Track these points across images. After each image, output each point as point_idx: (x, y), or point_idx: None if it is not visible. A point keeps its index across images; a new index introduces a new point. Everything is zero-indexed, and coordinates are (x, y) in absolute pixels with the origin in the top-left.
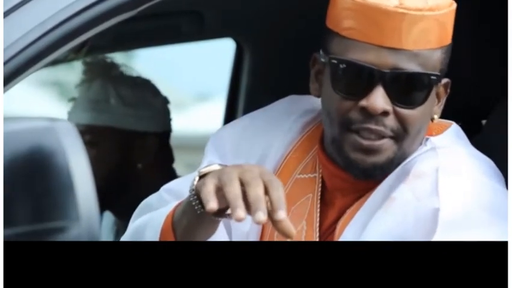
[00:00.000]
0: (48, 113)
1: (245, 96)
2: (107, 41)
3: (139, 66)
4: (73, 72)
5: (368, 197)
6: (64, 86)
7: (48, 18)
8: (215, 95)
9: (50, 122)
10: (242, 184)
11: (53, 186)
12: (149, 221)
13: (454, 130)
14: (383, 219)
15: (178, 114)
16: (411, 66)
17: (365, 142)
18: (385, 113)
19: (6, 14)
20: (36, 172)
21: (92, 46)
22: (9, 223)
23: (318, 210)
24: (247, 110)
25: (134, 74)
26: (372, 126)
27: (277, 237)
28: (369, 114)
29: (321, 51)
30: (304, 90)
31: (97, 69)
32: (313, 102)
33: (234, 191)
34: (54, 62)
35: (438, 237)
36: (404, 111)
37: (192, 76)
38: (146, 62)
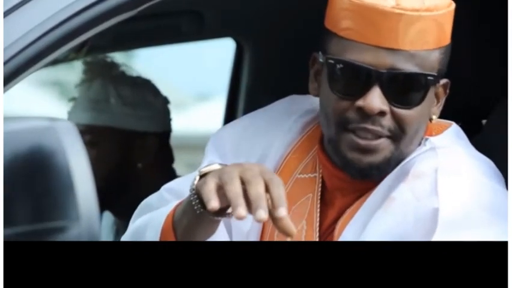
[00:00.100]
0: (48, 112)
1: (245, 96)
2: (107, 41)
3: (139, 66)
4: (73, 72)
5: (368, 197)
6: (64, 85)
7: (48, 18)
8: (215, 95)
9: (50, 122)
10: (243, 183)
11: (53, 185)
12: (150, 220)
13: (453, 130)
14: (382, 219)
15: (178, 114)
16: (409, 67)
17: (362, 142)
18: (382, 113)
19: (6, 14)
20: (36, 172)
21: (92, 46)
22: (10, 223)
23: (318, 210)
24: (247, 110)
25: (135, 74)
26: (369, 126)
27: (277, 237)
28: (366, 114)
29: (319, 52)
30: (304, 90)
31: (97, 69)
32: (314, 102)
33: (234, 190)
34: (55, 62)
35: (438, 237)
36: (401, 112)
37: (192, 76)
38: (147, 62)
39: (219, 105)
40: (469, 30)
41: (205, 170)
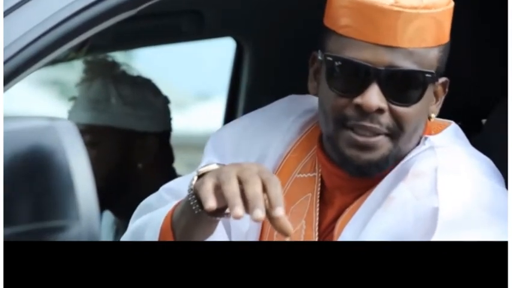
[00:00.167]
0: (48, 112)
1: (245, 95)
2: (107, 41)
3: (139, 66)
4: (73, 72)
5: (367, 196)
6: (64, 85)
7: (48, 17)
8: (215, 95)
9: (50, 121)
10: (240, 182)
11: (53, 185)
12: (149, 221)
13: (452, 129)
14: (382, 218)
15: (178, 113)
16: (407, 64)
17: (360, 138)
18: (380, 111)
19: (6, 13)
20: (36, 171)
21: (93, 45)
22: (10, 222)
23: (318, 209)
24: (247, 109)
25: (135, 74)
26: (367, 124)
27: (276, 237)
28: (364, 112)
29: (319, 50)
30: (305, 90)
31: (97, 69)
32: (313, 102)
33: (232, 189)
34: (55, 61)
35: (437, 236)
36: (399, 109)
37: (192, 76)
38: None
39: (219, 105)
40: (469, 30)
41: (203, 170)
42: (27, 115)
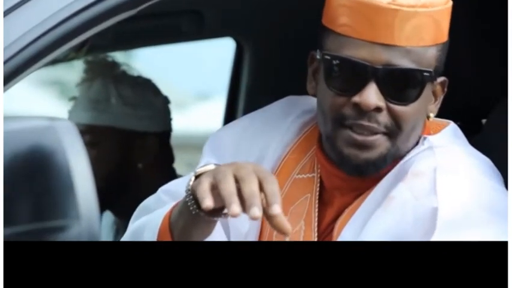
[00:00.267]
0: (48, 112)
1: (245, 95)
2: (107, 41)
3: (139, 66)
4: (73, 72)
5: (367, 196)
6: (65, 85)
7: (48, 17)
8: (215, 95)
9: (50, 121)
10: (237, 181)
11: (53, 185)
12: (147, 222)
13: (451, 129)
14: (381, 218)
15: (178, 113)
16: (404, 63)
17: (359, 137)
18: (378, 109)
19: (6, 13)
20: (36, 171)
21: (93, 45)
22: (10, 222)
23: (317, 210)
24: (247, 110)
25: (135, 74)
26: (365, 123)
27: (276, 239)
28: (362, 111)
29: (317, 50)
30: (304, 90)
31: (97, 69)
32: (311, 102)
33: (228, 188)
34: (55, 61)
35: (437, 236)
36: (397, 108)
37: (192, 76)
38: (147, 62)
39: (219, 105)
40: (469, 29)
41: (200, 170)
42: (27, 115)
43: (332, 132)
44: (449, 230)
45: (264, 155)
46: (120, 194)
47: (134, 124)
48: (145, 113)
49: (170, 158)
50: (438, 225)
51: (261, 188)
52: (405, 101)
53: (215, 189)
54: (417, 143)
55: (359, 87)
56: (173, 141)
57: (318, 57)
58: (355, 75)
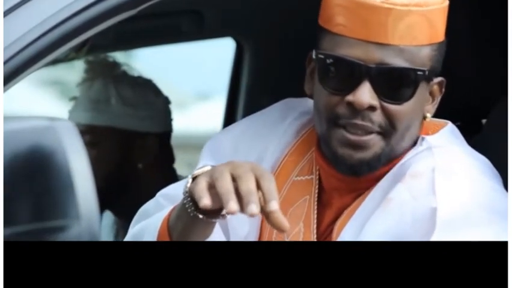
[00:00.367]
0: (48, 112)
1: (245, 95)
2: (108, 41)
3: (139, 66)
4: (74, 72)
5: (365, 197)
6: (65, 85)
7: (48, 17)
8: (215, 95)
9: (50, 121)
10: (234, 179)
11: (53, 185)
12: (146, 226)
13: (449, 129)
14: (381, 219)
15: (178, 113)
16: (398, 62)
17: (352, 137)
18: (372, 108)
19: (6, 13)
20: (36, 171)
21: (93, 45)
22: (10, 222)
23: (315, 211)
24: (247, 110)
25: (136, 74)
26: (359, 122)
27: (275, 240)
28: (355, 110)
29: (314, 50)
30: (304, 91)
31: (98, 69)
32: (309, 104)
33: (225, 186)
34: (55, 61)
35: (436, 236)
36: (391, 107)
37: (192, 76)
38: (147, 62)
39: (219, 105)
40: (469, 29)
41: (197, 172)
42: (27, 115)
43: (326, 132)
44: (448, 230)
45: (263, 157)
46: (120, 194)
47: (135, 124)
48: (145, 113)
49: (171, 158)
50: (437, 225)
51: (258, 186)
52: (399, 100)
53: (212, 188)
54: (415, 144)
55: (353, 86)
56: (173, 141)
57: (314, 57)
58: (349, 74)
